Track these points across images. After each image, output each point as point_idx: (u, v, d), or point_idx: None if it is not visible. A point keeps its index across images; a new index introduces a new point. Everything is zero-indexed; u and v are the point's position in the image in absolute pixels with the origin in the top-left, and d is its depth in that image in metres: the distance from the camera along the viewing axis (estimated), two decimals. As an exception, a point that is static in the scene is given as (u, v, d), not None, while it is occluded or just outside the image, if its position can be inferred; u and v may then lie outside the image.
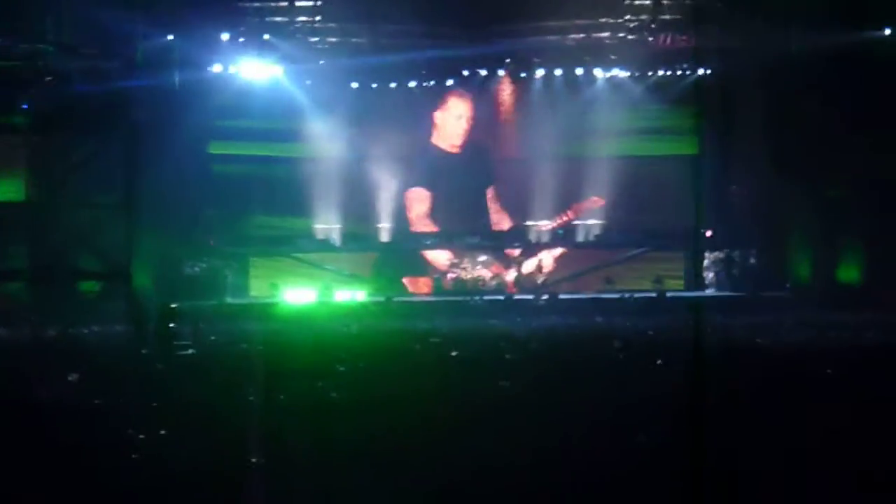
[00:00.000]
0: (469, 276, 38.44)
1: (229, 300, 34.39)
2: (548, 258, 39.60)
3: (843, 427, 11.78)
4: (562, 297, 35.76)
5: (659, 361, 18.30)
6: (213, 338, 24.04)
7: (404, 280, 38.96)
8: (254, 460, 9.29)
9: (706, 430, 11.22)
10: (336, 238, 38.76)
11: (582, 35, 37.81)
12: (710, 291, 38.23)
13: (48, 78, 28.66)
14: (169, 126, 33.29)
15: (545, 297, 35.08)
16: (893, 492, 9.64)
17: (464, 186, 40.06)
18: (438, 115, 39.98)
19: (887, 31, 33.58)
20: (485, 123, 40.20)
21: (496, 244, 39.81)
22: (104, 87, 28.02)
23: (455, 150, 40.11)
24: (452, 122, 39.97)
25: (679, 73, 39.24)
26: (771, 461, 10.69)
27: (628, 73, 39.31)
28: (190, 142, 35.41)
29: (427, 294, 37.79)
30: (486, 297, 35.14)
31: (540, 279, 38.80)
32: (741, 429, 11.88)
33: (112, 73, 28.48)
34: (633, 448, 11.27)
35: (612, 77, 39.32)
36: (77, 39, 29.27)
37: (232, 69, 36.16)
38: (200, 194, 37.13)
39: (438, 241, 39.50)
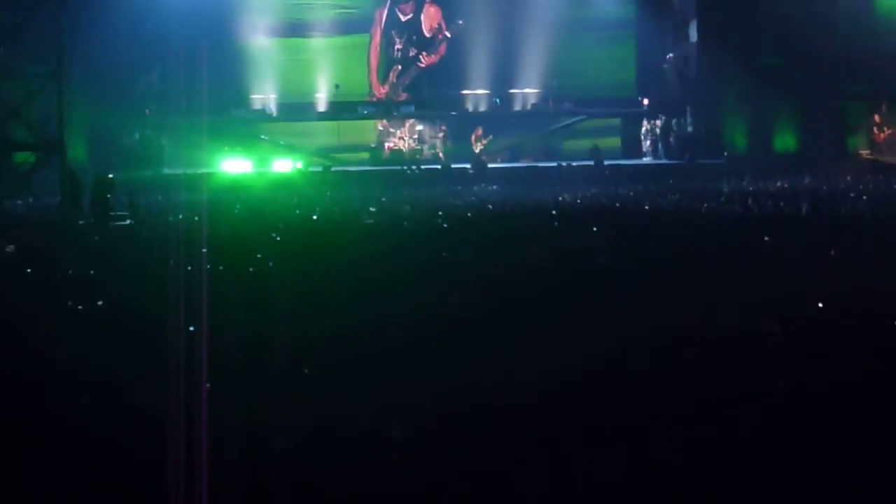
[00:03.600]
0: (406, 147, 38.43)
1: (165, 170, 34.16)
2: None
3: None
4: (496, 165, 35.92)
5: (594, 229, 18.48)
6: (149, 208, 23.97)
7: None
8: (192, 328, 9.32)
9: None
10: (272, 108, 38.55)
11: None
12: (647, 160, 38.43)
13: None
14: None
15: (481, 166, 35.15)
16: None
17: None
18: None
19: None
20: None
21: (433, 113, 39.74)
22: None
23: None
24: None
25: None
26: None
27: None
28: (122, 8, 34.92)
29: (365, 163, 37.72)
30: (423, 167, 35.16)
31: (477, 148, 38.80)
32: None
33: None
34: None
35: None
36: None
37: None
38: (135, 62, 36.70)
39: (376, 110, 39.36)
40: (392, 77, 39.97)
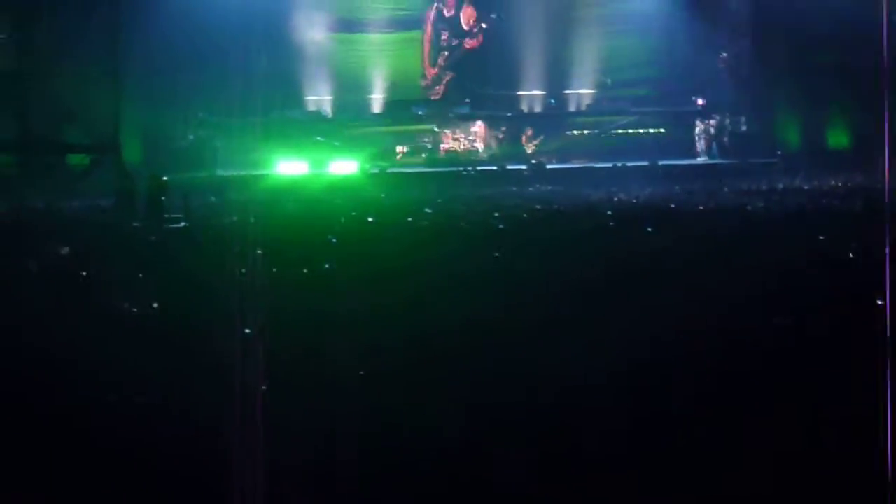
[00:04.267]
0: (462, 147, 38.33)
1: (220, 172, 34.19)
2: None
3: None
4: (552, 166, 35.79)
5: (649, 229, 18.33)
6: (203, 210, 23.98)
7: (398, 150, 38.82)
8: (247, 331, 9.26)
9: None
10: (328, 109, 38.52)
11: None
12: (701, 159, 38.19)
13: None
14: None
15: (537, 166, 35.03)
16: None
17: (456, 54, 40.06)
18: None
19: None
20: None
21: (489, 113, 39.69)
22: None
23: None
24: None
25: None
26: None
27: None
28: (176, 9, 35.03)
29: (420, 165, 37.63)
30: (479, 168, 35.06)
31: (530, 149, 38.70)
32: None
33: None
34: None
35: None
36: None
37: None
38: (189, 64, 36.79)
39: (430, 110, 39.29)
40: (441, 61, 40.15)
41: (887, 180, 14.41)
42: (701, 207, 22.79)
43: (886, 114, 16.52)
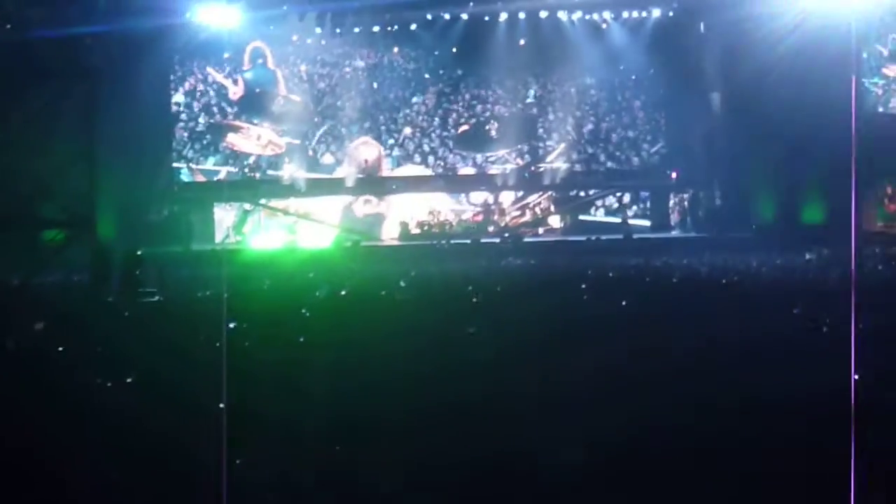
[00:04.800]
0: (435, 221, 38.41)
1: (194, 246, 34.20)
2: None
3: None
4: (527, 239, 35.93)
5: (623, 303, 18.39)
6: (178, 284, 23.95)
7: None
8: (221, 405, 9.26)
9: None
10: (301, 183, 38.58)
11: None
12: (675, 233, 38.40)
13: (6, 24, 28.28)
14: (130, 72, 33.03)
15: (511, 239, 35.15)
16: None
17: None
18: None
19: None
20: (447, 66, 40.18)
21: (462, 188, 39.89)
22: (64, 32, 27.69)
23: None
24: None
25: (642, 14, 39.09)
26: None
27: (592, 15, 39.17)
28: (151, 88, 35.21)
29: (394, 239, 37.71)
30: (452, 242, 35.14)
31: (505, 222, 38.89)
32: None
33: (73, 19, 28.14)
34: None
35: (576, 19, 39.12)
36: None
37: (194, 15, 35.27)
38: (162, 141, 36.99)
39: (404, 185, 39.42)
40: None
41: (854, 256, 14.53)
42: (675, 280, 22.87)
43: (854, 193, 16.52)
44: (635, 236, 35.74)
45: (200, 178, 38.82)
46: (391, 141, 39.98)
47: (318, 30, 38.71)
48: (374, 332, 14.81)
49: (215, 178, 38.78)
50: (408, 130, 40.02)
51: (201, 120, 38.86)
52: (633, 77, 40.38)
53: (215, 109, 38.95)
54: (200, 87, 38.79)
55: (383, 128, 40.00)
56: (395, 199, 39.26)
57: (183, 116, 38.69)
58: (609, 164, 40.25)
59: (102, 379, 12.17)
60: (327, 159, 39.52)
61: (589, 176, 40.09)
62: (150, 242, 29.69)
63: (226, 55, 38.52)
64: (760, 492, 8.39)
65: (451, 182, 39.74)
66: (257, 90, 39.00)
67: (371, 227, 38.82)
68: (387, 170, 39.82)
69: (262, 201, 38.56)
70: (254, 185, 38.47)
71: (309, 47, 39.34)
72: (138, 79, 33.84)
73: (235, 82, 38.81)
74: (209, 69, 38.61)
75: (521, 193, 40.00)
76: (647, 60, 39.61)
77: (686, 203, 39.37)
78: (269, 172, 39.01)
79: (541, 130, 40.16)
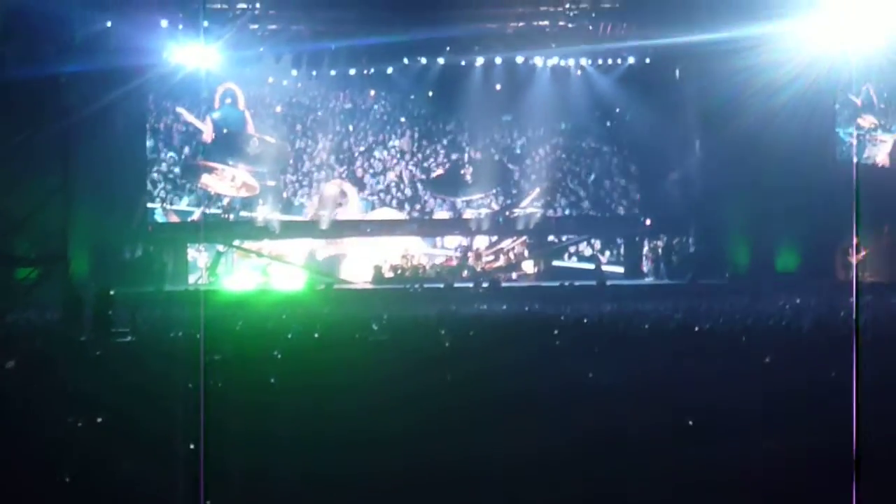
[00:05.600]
0: (409, 265, 38.41)
1: (167, 287, 34.11)
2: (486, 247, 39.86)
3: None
4: (502, 284, 35.95)
5: (596, 349, 18.37)
6: (150, 325, 23.86)
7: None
8: (191, 447, 9.23)
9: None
10: (275, 225, 38.54)
11: (522, 23, 37.77)
12: (649, 280, 38.45)
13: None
14: (105, 111, 33.00)
15: (485, 284, 35.14)
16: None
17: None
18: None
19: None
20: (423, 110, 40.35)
21: (436, 232, 39.97)
22: (39, 71, 27.68)
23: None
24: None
25: (618, 61, 39.31)
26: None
27: (568, 61, 39.37)
28: (126, 127, 35.18)
29: (367, 282, 37.66)
30: (425, 286, 35.13)
31: (479, 267, 38.93)
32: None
33: (48, 58, 28.14)
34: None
35: (552, 65, 39.33)
36: (11, 23, 28.84)
37: (170, 56, 35.31)
38: (137, 180, 36.94)
39: (378, 229, 39.43)
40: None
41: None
42: (647, 327, 22.86)
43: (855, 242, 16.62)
44: (608, 282, 35.77)
45: (174, 219, 38.84)
46: (365, 183, 40.05)
47: (294, 72, 38.83)
48: (345, 376, 14.78)
49: (189, 219, 38.80)
50: (383, 173, 40.10)
51: (176, 160, 38.90)
52: (608, 123, 40.64)
53: (187, 150, 39.00)
54: (175, 126, 38.85)
55: (359, 170, 40.06)
56: (361, 241, 39.23)
57: (157, 156, 38.73)
58: (583, 209, 40.49)
59: (72, 419, 12.10)
60: (301, 201, 39.58)
61: (563, 221, 40.24)
62: (123, 282, 29.57)
63: (203, 95, 38.55)
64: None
65: (425, 226, 39.83)
66: (224, 130, 39.02)
67: (331, 267, 38.80)
68: (360, 212, 39.86)
69: (236, 242, 38.55)
70: (227, 227, 38.46)
71: (285, 89, 39.50)
72: (113, 118, 33.77)
73: (205, 122, 38.85)
74: (180, 109, 38.67)
75: (494, 238, 40.11)
76: (622, 106, 39.87)
77: (660, 249, 39.45)
78: (243, 214, 39.04)
79: (516, 175, 40.38)
